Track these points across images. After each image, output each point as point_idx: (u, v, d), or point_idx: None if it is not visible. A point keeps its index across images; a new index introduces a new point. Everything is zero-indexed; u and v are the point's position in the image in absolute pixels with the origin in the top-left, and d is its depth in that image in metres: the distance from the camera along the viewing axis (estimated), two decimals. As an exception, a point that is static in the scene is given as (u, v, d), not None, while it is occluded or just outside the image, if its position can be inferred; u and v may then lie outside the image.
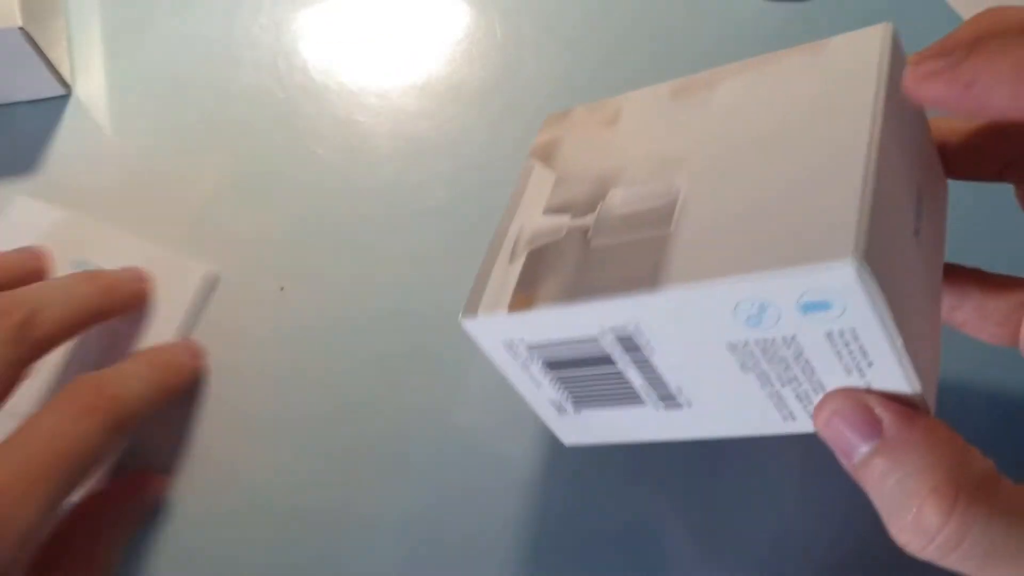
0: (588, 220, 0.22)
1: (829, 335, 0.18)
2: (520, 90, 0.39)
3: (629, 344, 0.21)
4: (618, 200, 0.22)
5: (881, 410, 0.19)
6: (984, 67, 0.17)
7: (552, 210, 0.23)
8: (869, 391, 0.19)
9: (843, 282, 0.17)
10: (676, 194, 0.21)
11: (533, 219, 0.23)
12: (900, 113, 0.21)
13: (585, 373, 0.22)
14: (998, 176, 0.23)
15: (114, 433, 0.26)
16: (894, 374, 0.18)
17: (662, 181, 0.22)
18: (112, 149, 0.37)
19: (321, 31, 0.40)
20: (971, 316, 0.24)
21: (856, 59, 0.21)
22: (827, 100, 0.21)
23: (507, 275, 0.22)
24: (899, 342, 0.18)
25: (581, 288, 0.20)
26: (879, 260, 0.17)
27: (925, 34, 0.40)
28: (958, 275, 0.25)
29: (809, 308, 0.18)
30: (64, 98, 0.38)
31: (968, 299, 0.24)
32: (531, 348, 0.22)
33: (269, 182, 0.36)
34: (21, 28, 0.33)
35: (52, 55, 0.36)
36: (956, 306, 0.24)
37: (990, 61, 0.17)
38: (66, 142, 0.37)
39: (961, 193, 0.27)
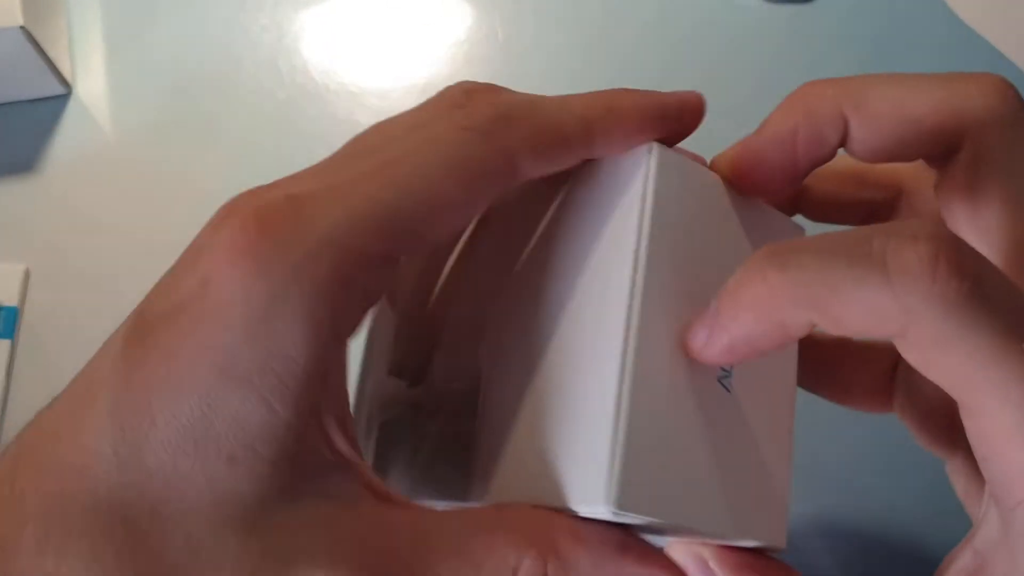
0: (418, 394, 0.22)
1: (648, 526, 0.18)
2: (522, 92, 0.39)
3: None
4: (439, 372, 0.22)
5: (715, 564, 0.19)
6: (727, 314, 0.17)
7: (393, 370, 0.23)
8: (706, 543, 0.19)
9: (610, 515, 0.17)
10: (477, 376, 0.21)
11: (381, 380, 0.23)
12: (693, 228, 0.19)
13: None
14: (863, 222, 0.22)
15: (516, 161, 0.18)
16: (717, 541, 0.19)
17: (468, 354, 0.21)
18: (112, 148, 0.37)
19: (322, 32, 0.40)
20: (837, 391, 0.23)
21: (621, 195, 0.19)
22: (591, 260, 0.19)
23: (366, 450, 0.22)
24: (702, 528, 0.18)
25: (416, 488, 0.21)
26: (643, 481, 0.17)
27: (925, 36, 0.41)
28: (821, 349, 0.23)
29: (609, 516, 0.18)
30: (64, 97, 0.38)
31: (833, 375, 0.23)
32: None
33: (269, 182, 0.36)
34: (22, 27, 0.33)
35: (53, 54, 0.36)
36: (821, 383, 0.23)
37: (730, 306, 0.17)
38: (66, 141, 0.37)
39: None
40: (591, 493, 0.16)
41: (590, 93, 0.19)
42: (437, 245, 0.18)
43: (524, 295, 0.20)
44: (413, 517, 0.17)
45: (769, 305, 0.16)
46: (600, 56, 0.40)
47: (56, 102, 0.38)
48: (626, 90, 0.19)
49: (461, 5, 0.41)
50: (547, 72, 0.39)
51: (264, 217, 0.16)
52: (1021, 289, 0.15)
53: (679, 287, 0.18)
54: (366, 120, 0.38)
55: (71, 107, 0.38)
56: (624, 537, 0.18)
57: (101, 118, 0.38)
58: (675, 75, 0.39)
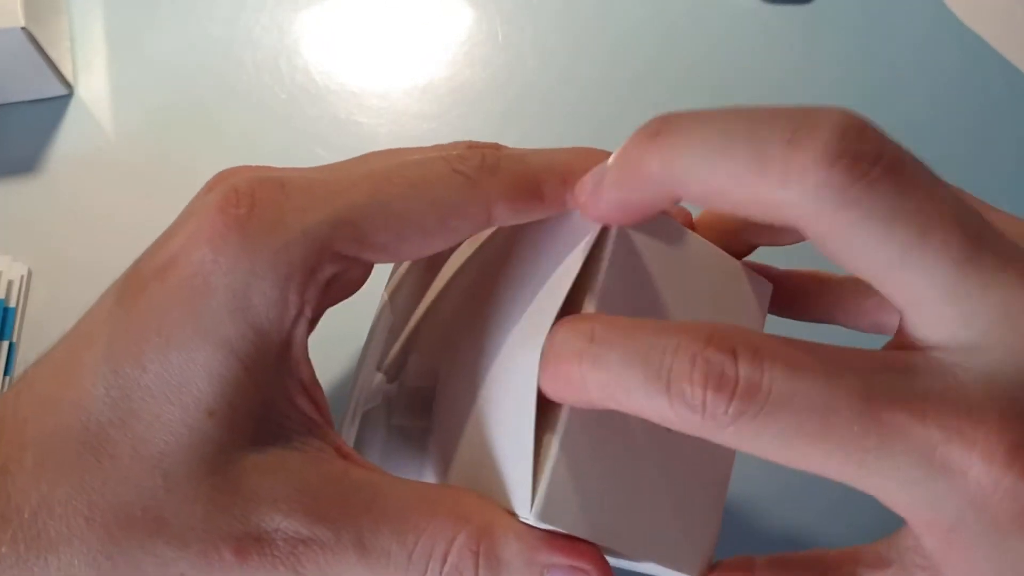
0: (393, 389, 0.24)
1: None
2: (522, 92, 0.39)
3: None
4: (411, 371, 0.24)
5: None
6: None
7: (379, 366, 0.25)
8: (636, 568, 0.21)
9: (535, 523, 0.18)
10: (435, 379, 0.23)
11: (369, 372, 0.25)
12: (649, 273, 0.20)
13: None
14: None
15: (492, 204, 0.20)
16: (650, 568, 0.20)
17: (434, 357, 0.23)
18: (113, 149, 0.37)
19: (323, 32, 0.40)
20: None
21: (581, 239, 0.20)
22: (537, 295, 0.20)
23: (349, 434, 0.24)
24: (621, 549, 0.19)
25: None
26: (566, 498, 0.18)
27: (923, 36, 0.41)
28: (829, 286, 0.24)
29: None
30: (66, 98, 0.38)
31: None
32: None
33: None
34: (23, 28, 0.33)
35: (54, 55, 0.36)
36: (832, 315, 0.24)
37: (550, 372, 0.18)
38: (67, 142, 0.37)
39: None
40: (519, 502, 0.18)
41: (575, 152, 0.21)
42: (407, 258, 0.20)
43: (482, 312, 0.21)
44: (370, 478, 0.19)
45: (581, 389, 0.17)
46: (599, 57, 0.40)
47: (57, 103, 0.38)
48: (606, 155, 0.21)
49: (461, 5, 0.41)
50: (547, 73, 0.39)
51: (256, 194, 0.18)
52: (816, 376, 0.16)
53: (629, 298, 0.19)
54: (366, 120, 0.38)
55: (72, 108, 0.38)
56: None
57: (102, 119, 0.38)
58: (674, 76, 0.40)
